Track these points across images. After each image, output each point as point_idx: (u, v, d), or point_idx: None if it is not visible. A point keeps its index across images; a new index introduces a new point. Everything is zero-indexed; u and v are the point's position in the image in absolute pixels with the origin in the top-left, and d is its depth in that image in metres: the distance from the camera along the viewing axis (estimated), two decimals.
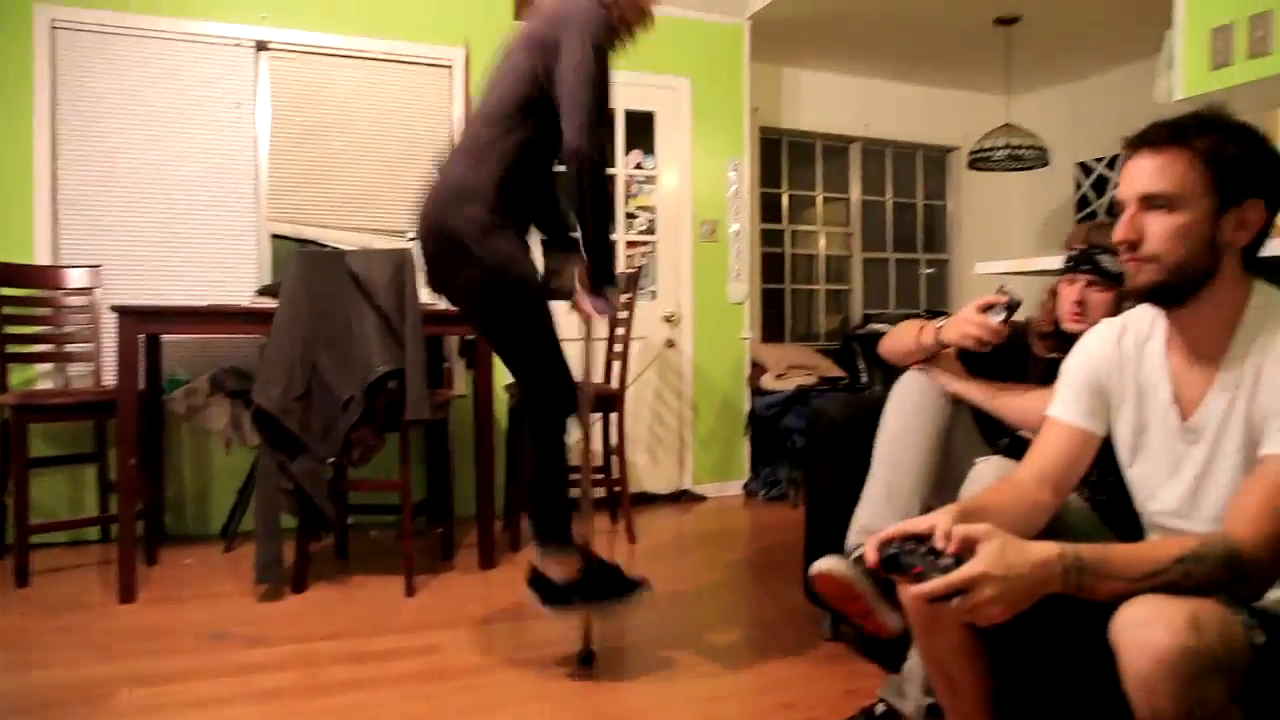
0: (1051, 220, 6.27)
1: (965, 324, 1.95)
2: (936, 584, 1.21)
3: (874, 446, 2.11)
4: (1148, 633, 1.13)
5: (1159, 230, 1.35)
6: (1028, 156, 5.32)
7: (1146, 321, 1.54)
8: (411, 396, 3.05)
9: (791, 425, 4.81)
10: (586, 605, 2.44)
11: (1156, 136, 1.37)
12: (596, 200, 2.27)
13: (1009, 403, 2.01)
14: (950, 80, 6.20)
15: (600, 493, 4.42)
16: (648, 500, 4.80)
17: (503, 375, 4.22)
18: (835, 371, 5.25)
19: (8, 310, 3.70)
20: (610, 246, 2.42)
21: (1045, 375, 2.06)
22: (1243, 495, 1.30)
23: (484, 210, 2.29)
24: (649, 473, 4.89)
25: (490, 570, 3.48)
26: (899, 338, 2.19)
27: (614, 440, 4.06)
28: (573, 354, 2.55)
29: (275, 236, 4.27)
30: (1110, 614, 1.20)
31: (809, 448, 2.70)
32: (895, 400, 2.12)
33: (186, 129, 4.12)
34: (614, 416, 4.03)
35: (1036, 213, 6.37)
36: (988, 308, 1.94)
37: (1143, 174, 1.37)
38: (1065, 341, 2.09)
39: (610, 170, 1.96)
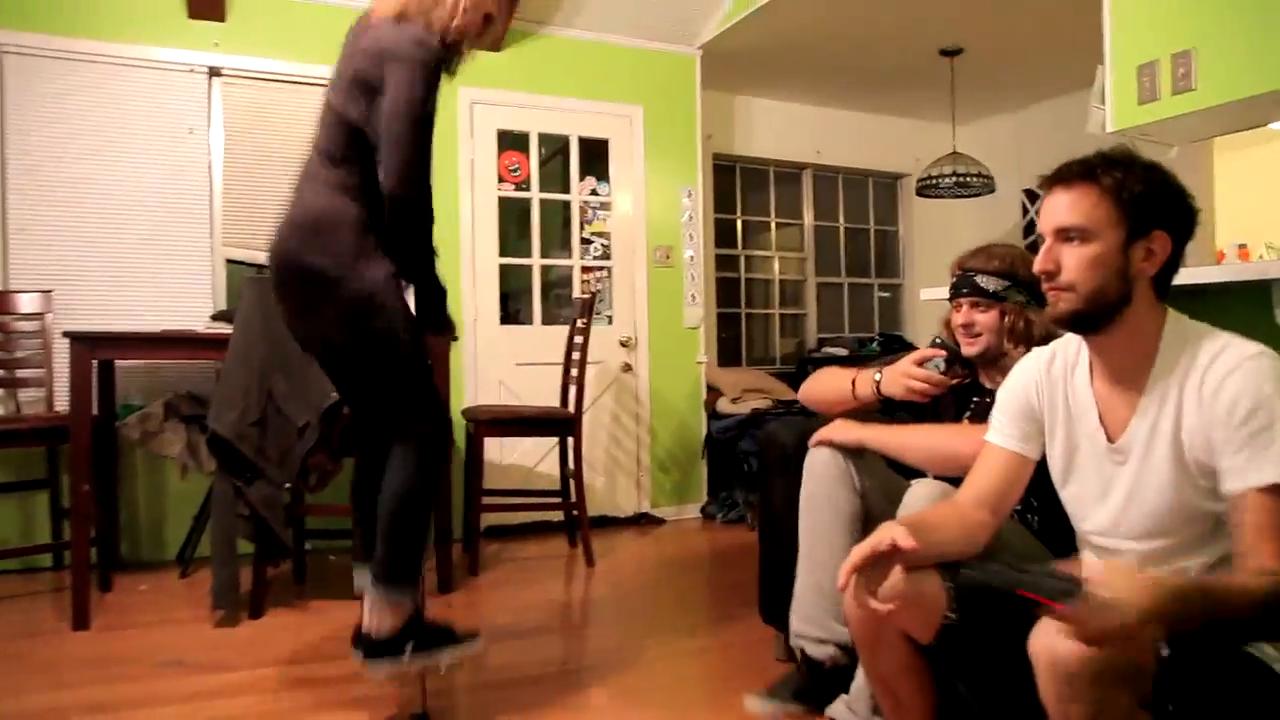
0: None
1: (906, 379, 2.01)
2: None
3: (799, 537, 2.15)
4: (1058, 643, 1.20)
5: (1074, 261, 1.45)
6: (974, 184, 5.47)
7: (1074, 349, 1.62)
8: None
9: (747, 449, 4.87)
10: (418, 655, 2.25)
11: (1068, 173, 1.48)
12: (418, 246, 2.21)
13: (909, 445, 2.03)
14: (898, 109, 6.36)
15: (558, 516, 4.45)
16: (606, 523, 4.83)
17: (458, 399, 4.26)
18: (790, 395, 5.33)
19: None
20: (439, 291, 2.31)
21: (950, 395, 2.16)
22: (1253, 539, 1.31)
23: (351, 235, 2.20)
24: (607, 496, 4.92)
25: (450, 594, 3.48)
26: (826, 386, 2.21)
27: (571, 464, 4.09)
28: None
29: (230, 261, 4.27)
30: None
31: (761, 471, 2.74)
32: (806, 497, 2.13)
33: (139, 154, 4.12)
34: (571, 440, 4.07)
35: (984, 237, 6.46)
36: (923, 361, 2.02)
37: (1057, 208, 1.47)
38: (965, 366, 2.19)
39: (427, 209, 1.95)
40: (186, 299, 4.14)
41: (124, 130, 4.09)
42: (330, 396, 3.05)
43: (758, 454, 4.45)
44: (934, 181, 5.50)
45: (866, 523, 2.05)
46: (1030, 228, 6.19)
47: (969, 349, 2.11)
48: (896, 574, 1.47)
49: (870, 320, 6.71)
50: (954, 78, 5.41)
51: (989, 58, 5.24)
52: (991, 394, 2.09)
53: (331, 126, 2.31)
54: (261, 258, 4.18)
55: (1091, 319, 1.47)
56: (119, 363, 3.82)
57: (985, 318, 2.09)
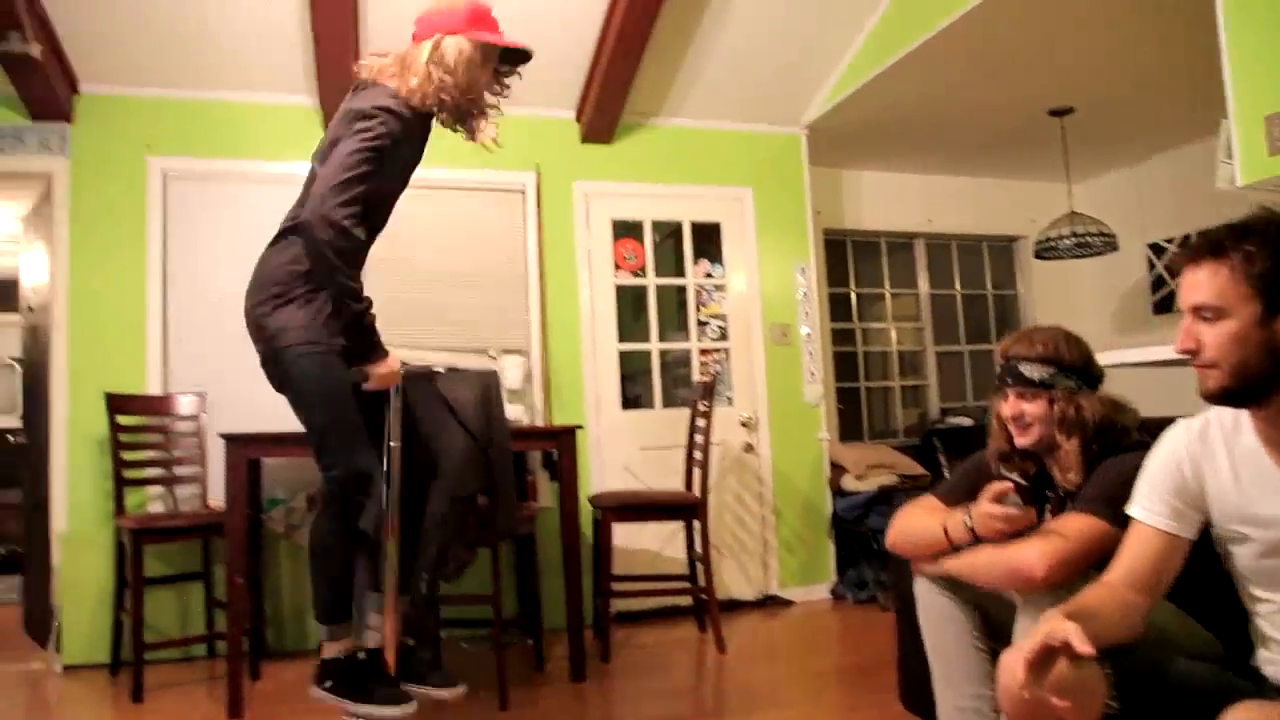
0: (1126, 302, 6.22)
1: (989, 520, 1.89)
2: None
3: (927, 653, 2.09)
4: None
5: (1212, 339, 1.43)
6: (1095, 243, 5.32)
7: (1229, 414, 1.56)
8: (502, 513, 3.14)
9: (876, 526, 4.77)
10: (329, 695, 2.40)
11: (1197, 250, 1.47)
12: (331, 280, 2.30)
13: (978, 568, 1.91)
14: (1009, 171, 6.28)
15: (686, 600, 4.43)
16: (734, 606, 4.77)
17: (585, 486, 4.31)
18: (916, 469, 5.21)
19: (123, 438, 3.93)
20: (358, 316, 2.36)
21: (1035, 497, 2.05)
22: None
23: (281, 280, 2.39)
24: (733, 578, 4.87)
25: (582, 683, 3.49)
26: (917, 531, 2.09)
27: (699, 547, 4.08)
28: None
29: None
30: None
31: (893, 556, 2.67)
32: (925, 624, 2.08)
33: None
34: (697, 523, 4.07)
35: (1109, 296, 6.33)
36: (998, 497, 1.93)
37: (1190, 287, 1.46)
38: (1027, 457, 2.09)
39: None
40: None
41: (267, 239, 4.36)
42: (467, 489, 3.14)
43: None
44: (1053, 243, 5.38)
45: (988, 624, 2.00)
46: (1158, 283, 5.97)
47: (1022, 439, 2.02)
48: (1063, 665, 1.42)
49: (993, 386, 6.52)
50: (1065, 136, 5.32)
51: (1101, 114, 5.15)
52: (1062, 488, 2.01)
53: (306, 185, 2.47)
54: (398, 354, 4.39)
55: (1242, 394, 1.43)
56: (264, 459, 4.02)
57: (1033, 407, 1.98)
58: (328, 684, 2.42)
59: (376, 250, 4.42)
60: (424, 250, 4.60)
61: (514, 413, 3.79)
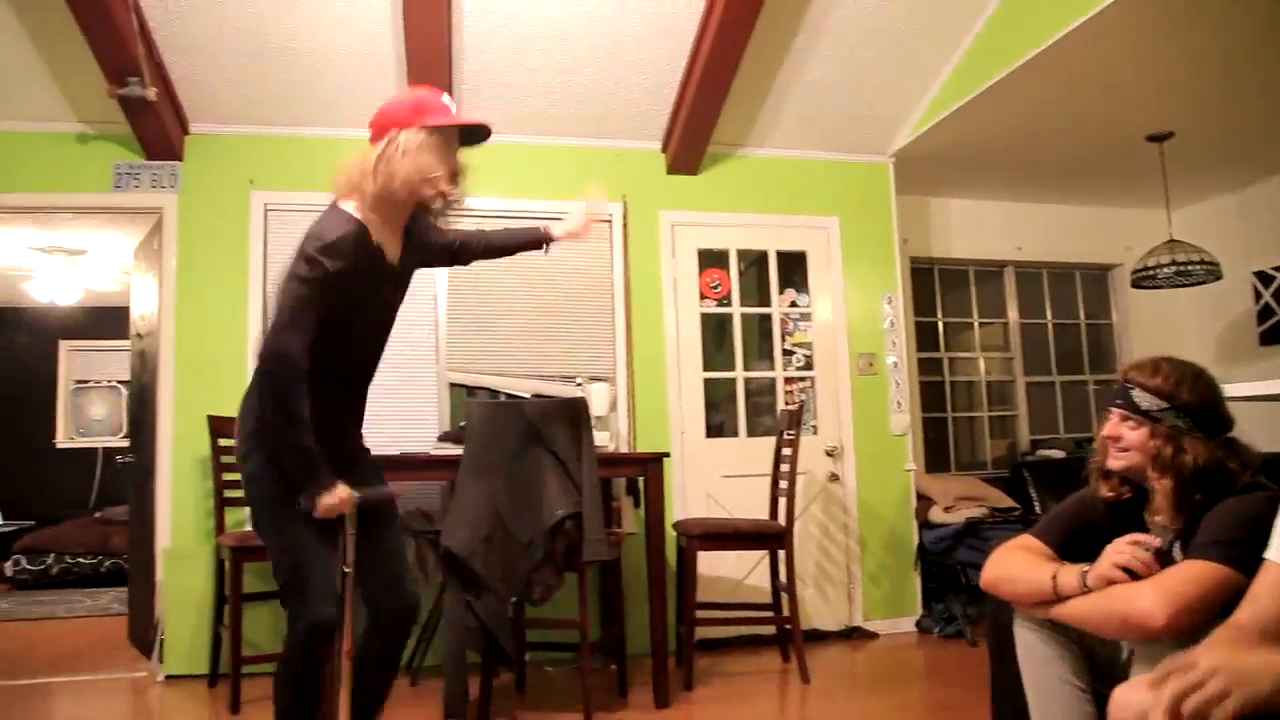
0: (1229, 333, 6.00)
1: (1116, 555, 1.82)
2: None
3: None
4: None
5: None
6: (1197, 272, 5.15)
7: None
8: (589, 538, 3.18)
9: (964, 559, 4.67)
10: None
11: None
12: (271, 410, 2.24)
13: (1082, 616, 1.85)
14: (1103, 199, 6.13)
15: (769, 630, 4.39)
16: (817, 637, 4.71)
17: (670, 513, 4.32)
18: (1006, 502, 5.09)
19: (225, 459, 4.08)
20: (298, 451, 2.26)
21: (1117, 525, 1.98)
22: None
23: (251, 413, 2.35)
24: (816, 608, 4.82)
25: (665, 709, 3.49)
26: (1022, 577, 2.00)
27: (783, 577, 4.05)
28: None
29: (452, 385, 4.58)
30: None
31: (990, 594, 2.59)
32: (1024, 662, 2.02)
33: None
34: (782, 553, 4.04)
35: (1212, 326, 6.10)
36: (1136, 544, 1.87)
37: None
38: (1126, 481, 2.02)
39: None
40: (416, 421, 4.46)
41: None
42: (555, 514, 3.19)
43: (981, 566, 4.26)
44: (1151, 272, 5.22)
45: (1090, 664, 1.94)
46: (1265, 313, 5.74)
47: (1113, 462, 1.97)
48: None
49: (1086, 419, 6.35)
50: (1164, 163, 5.18)
51: (1202, 139, 5.00)
52: (1152, 533, 1.94)
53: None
54: (484, 381, 4.49)
55: None
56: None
57: (1134, 435, 1.93)
58: None
59: (463, 278, 4.58)
60: (512, 279, 4.70)
61: (600, 439, 3.82)
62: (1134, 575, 1.79)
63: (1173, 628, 1.65)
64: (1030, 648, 2.01)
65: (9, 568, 7.27)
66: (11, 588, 7.21)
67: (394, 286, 2.54)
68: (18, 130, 4.36)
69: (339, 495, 2.27)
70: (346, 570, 2.34)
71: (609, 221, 4.84)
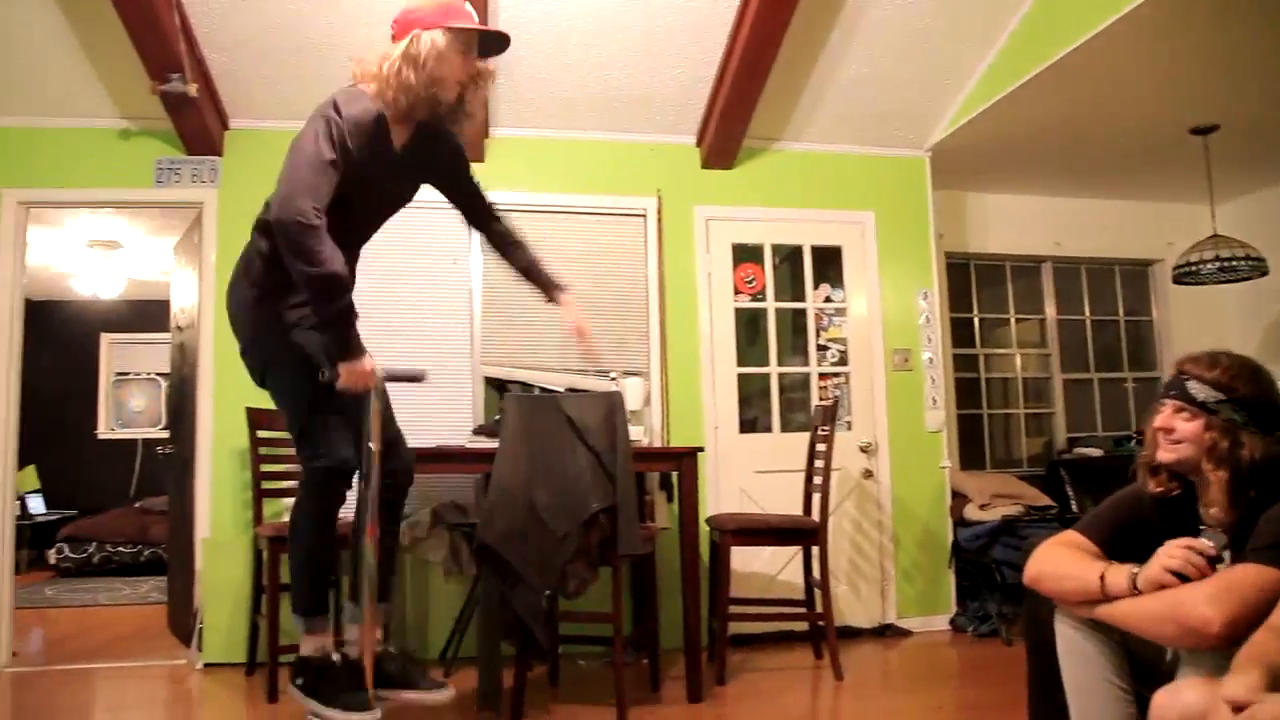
0: (1275, 330, 5.89)
1: (1168, 559, 1.79)
2: None
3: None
4: None
5: None
6: (1241, 267, 5.05)
7: None
8: (624, 532, 3.19)
9: (1000, 558, 4.63)
10: (299, 693, 2.37)
11: None
12: (302, 267, 2.23)
13: (1135, 618, 1.81)
14: (1145, 193, 6.04)
15: (802, 626, 4.38)
16: (850, 634, 4.69)
17: (703, 508, 4.32)
18: (1043, 500, 5.04)
19: (263, 450, 4.13)
20: (336, 315, 2.31)
21: (1164, 523, 1.96)
22: None
23: (243, 263, 2.48)
24: (849, 606, 4.79)
25: (698, 704, 3.49)
26: (1068, 575, 1.97)
27: (817, 573, 4.03)
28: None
29: (487, 379, 4.60)
30: None
31: (1029, 591, 2.55)
32: (1065, 661, 2.00)
33: (413, 284, 4.56)
34: (815, 549, 4.02)
35: (1257, 323, 5.99)
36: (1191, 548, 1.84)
37: None
38: (1175, 477, 1.99)
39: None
40: (451, 415, 4.49)
41: (398, 264, 4.54)
42: (590, 507, 3.20)
43: (1018, 565, 4.20)
44: (1194, 268, 5.13)
45: (1131, 664, 1.92)
46: None
47: (1165, 455, 1.94)
48: None
49: (1125, 417, 6.26)
50: (1209, 156, 5.08)
51: (1250, 131, 4.90)
52: (1208, 525, 1.90)
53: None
54: (519, 375, 4.51)
55: None
56: None
57: (1188, 427, 1.90)
58: (299, 681, 2.41)
59: (498, 273, 4.59)
60: None
61: (634, 434, 3.82)
62: (1184, 579, 1.76)
63: (1229, 635, 1.62)
64: (1071, 645, 1.99)
65: (53, 555, 7.42)
66: (56, 575, 7.36)
67: (395, 176, 2.57)
68: (62, 126, 4.43)
69: (367, 365, 2.35)
70: (373, 448, 2.39)
71: (644, 216, 4.84)
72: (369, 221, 2.66)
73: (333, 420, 2.41)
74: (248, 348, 2.52)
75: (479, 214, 2.93)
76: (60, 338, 8.51)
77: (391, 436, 2.60)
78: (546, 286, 2.92)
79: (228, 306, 2.57)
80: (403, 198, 2.70)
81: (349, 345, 2.33)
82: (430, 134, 2.60)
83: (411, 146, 2.55)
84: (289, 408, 2.48)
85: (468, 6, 2.48)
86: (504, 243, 2.94)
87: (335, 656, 2.47)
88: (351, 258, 2.61)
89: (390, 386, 2.63)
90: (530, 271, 2.93)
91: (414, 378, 2.65)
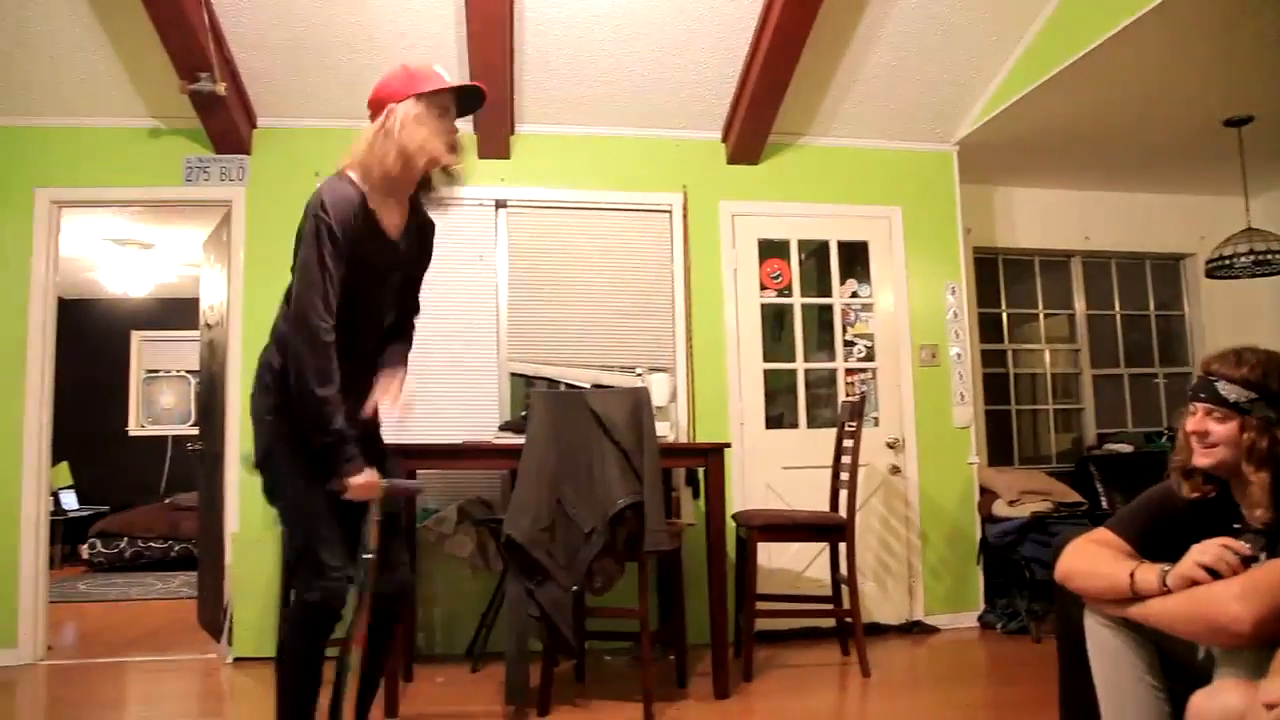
0: None
1: (1200, 556, 1.76)
2: None
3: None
4: None
5: None
6: (1277, 261, 4.97)
7: None
8: (650, 527, 3.18)
9: (1029, 554, 4.58)
10: None
11: None
12: (296, 388, 2.28)
13: (1169, 616, 1.79)
14: (1176, 186, 5.96)
15: (829, 622, 4.36)
16: (877, 631, 4.66)
17: (730, 504, 4.31)
18: (1072, 496, 4.98)
19: None
20: (325, 439, 2.29)
21: (1199, 524, 1.91)
22: None
23: (265, 369, 2.46)
24: (877, 602, 4.77)
25: (725, 700, 3.48)
26: (1098, 573, 1.95)
27: (844, 569, 4.02)
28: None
29: (513, 375, 4.61)
30: None
31: (1061, 588, 2.52)
32: (1096, 660, 1.98)
33: (437, 281, 4.53)
34: (843, 545, 4.01)
35: None
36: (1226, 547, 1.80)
37: None
38: (1210, 479, 1.95)
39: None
40: (477, 411, 4.50)
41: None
42: (617, 503, 3.19)
43: (1048, 561, 4.16)
44: (1227, 261, 5.06)
45: (1163, 662, 1.90)
46: None
47: (1201, 459, 1.90)
48: None
49: (1155, 413, 6.18)
50: (1243, 148, 5.01)
51: None
52: (1247, 521, 1.87)
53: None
54: (545, 371, 4.51)
55: None
56: (417, 470, 4.18)
57: (1222, 430, 1.87)
58: None
59: (524, 269, 4.61)
60: (573, 270, 4.72)
61: (660, 429, 3.82)
62: (1216, 575, 1.73)
63: (1260, 634, 1.59)
64: (1102, 644, 1.97)
65: (86, 551, 7.52)
66: (89, 570, 7.46)
67: (395, 259, 2.54)
68: (94, 126, 4.48)
69: (368, 479, 2.32)
70: (368, 556, 2.35)
71: (669, 212, 4.83)
72: (381, 313, 2.62)
73: (334, 546, 2.35)
74: (261, 460, 2.47)
75: (401, 322, 2.76)
76: (91, 336, 8.61)
77: (390, 557, 2.52)
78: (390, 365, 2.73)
79: (250, 413, 2.53)
80: (405, 276, 2.65)
81: (343, 466, 2.31)
82: (423, 223, 2.63)
83: (407, 231, 2.56)
84: (290, 529, 2.46)
85: (438, 69, 2.48)
86: (395, 336, 2.78)
87: None
88: (376, 355, 2.63)
89: (413, 376, 2.66)
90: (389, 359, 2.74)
91: (411, 491, 2.60)
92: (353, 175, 2.41)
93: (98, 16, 3.98)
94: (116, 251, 7.07)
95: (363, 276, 2.44)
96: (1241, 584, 1.67)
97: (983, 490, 4.99)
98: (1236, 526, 1.92)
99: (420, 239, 2.64)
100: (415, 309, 2.78)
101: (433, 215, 2.67)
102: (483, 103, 2.56)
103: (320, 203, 2.33)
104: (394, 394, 2.60)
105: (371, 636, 2.42)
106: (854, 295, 5.05)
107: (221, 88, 4.03)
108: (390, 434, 3.31)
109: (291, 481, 2.38)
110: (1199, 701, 1.47)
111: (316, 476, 2.33)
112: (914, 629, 4.78)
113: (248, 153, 4.56)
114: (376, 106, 2.44)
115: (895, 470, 4.90)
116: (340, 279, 2.35)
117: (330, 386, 2.29)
